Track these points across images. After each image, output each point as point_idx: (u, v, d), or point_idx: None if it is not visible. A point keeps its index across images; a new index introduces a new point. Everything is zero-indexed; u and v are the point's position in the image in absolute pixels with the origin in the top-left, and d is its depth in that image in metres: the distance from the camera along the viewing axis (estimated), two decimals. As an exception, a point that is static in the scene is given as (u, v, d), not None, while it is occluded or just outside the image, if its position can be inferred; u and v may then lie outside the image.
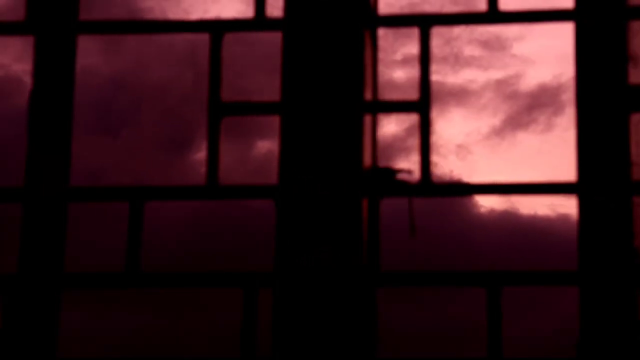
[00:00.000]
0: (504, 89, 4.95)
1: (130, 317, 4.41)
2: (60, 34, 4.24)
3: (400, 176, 4.10)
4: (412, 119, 4.13)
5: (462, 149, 4.73)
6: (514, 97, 5.02)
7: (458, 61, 4.65)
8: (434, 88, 4.12)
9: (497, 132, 4.98)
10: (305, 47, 4.10)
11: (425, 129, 4.10)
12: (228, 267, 4.10)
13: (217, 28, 4.24)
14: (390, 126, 4.07)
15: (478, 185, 4.07)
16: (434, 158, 4.06)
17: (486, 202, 4.72)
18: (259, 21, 4.22)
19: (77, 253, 4.18)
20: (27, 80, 4.23)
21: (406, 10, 4.31)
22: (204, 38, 4.25)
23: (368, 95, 4.16)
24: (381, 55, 4.25)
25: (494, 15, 4.14)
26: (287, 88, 4.09)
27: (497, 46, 4.84)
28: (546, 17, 4.15)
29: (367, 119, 4.14)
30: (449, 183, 4.10)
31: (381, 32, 4.28)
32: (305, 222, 3.96)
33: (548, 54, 4.29)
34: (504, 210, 4.80)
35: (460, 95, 4.85)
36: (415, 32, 4.18)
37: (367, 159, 4.10)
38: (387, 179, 4.10)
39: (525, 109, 5.03)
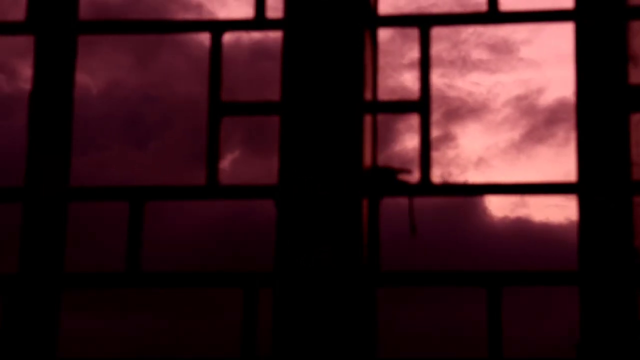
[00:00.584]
0: (523, 103, 4.96)
1: (130, 316, 4.41)
2: (60, 34, 4.24)
3: (401, 176, 4.10)
4: (435, 132, 4.13)
5: (481, 163, 4.75)
6: (532, 112, 5.03)
7: (465, 65, 4.66)
8: (449, 95, 4.12)
9: (515, 146, 4.98)
10: (305, 47, 4.10)
11: (425, 129, 4.10)
12: (228, 267, 4.10)
13: (217, 28, 4.24)
14: (413, 141, 4.10)
15: (478, 185, 4.07)
16: (453, 170, 4.07)
17: (499, 212, 4.73)
18: (259, 21, 4.22)
19: (77, 253, 4.18)
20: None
21: (406, 10, 4.31)
22: (234, 52, 4.25)
23: (368, 95, 4.16)
24: (389, 59, 4.26)
25: (494, 16, 4.14)
26: (287, 88, 4.09)
27: (504, 49, 4.84)
28: (546, 17, 4.15)
29: (367, 119, 4.13)
30: (449, 183, 4.10)
31: (389, 35, 4.29)
32: (305, 222, 3.96)
33: (555, 57, 4.30)
34: (517, 218, 4.80)
35: (480, 110, 4.87)
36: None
37: (367, 159, 4.10)
38: (387, 179, 4.10)
39: (544, 123, 5.03)
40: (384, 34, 4.30)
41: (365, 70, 4.12)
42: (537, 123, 5.05)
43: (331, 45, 4.09)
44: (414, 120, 4.13)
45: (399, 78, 4.23)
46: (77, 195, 4.15)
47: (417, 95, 4.13)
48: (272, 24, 4.22)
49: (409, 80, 4.29)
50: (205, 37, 4.25)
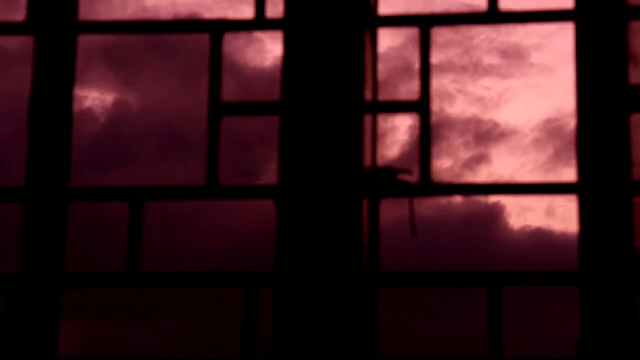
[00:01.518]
0: (550, 127, 4.96)
1: (130, 316, 4.41)
2: (60, 33, 4.24)
3: (401, 176, 4.10)
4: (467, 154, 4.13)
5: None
6: (559, 135, 5.02)
7: (477, 70, 4.67)
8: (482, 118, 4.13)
9: (543, 167, 4.97)
10: (305, 47, 4.10)
11: (425, 129, 4.10)
12: (228, 267, 4.10)
13: (217, 28, 4.24)
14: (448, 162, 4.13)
15: (478, 185, 4.07)
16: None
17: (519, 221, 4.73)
18: (259, 21, 4.22)
19: (77, 253, 4.18)
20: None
21: (406, 10, 4.31)
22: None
23: (368, 95, 4.15)
24: (399, 63, 4.26)
25: (494, 16, 4.14)
26: (287, 88, 4.09)
27: (515, 55, 4.84)
28: (546, 17, 4.15)
29: (367, 119, 4.13)
30: (449, 183, 4.10)
31: (401, 41, 4.29)
32: (305, 222, 3.96)
33: (566, 62, 4.31)
34: (537, 228, 4.79)
35: (508, 135, 4.87)
36: (439, 40, 4.19)
37: (367, 159, 4.10)
38: (387, 179, 4.10)
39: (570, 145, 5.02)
40: (395, 41, 4.30)
41: (365, 70, 4.12)
42: (563, 146, 5.02)
43: (331, 45, 4.09)
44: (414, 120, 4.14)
45: (411, 83, 4.24)
46: (77, 195, 4.15)
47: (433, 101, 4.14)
48: (272, 24, 4.22)
49: (417, 84, 4.29)
50: (259, 59, 4.26)
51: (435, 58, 4.16)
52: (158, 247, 4.24)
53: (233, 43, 4.43)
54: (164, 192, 4.16)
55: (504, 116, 4.82)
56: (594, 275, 3.84)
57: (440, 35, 4.18)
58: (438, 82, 4.18)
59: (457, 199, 4.15)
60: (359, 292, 3.91)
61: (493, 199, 4.34)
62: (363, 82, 4.09)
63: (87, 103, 5.21)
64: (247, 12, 4.27)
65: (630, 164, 3.93)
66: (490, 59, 4.76)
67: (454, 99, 4.59)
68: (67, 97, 4.20)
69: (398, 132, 4.56)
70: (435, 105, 4.11)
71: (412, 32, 4.19)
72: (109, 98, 5.23)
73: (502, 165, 4.76)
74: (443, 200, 4.25)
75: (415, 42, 4.16)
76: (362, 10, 4.14)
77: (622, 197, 3.89)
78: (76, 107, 4.22)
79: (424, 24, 4.17)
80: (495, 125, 4.75)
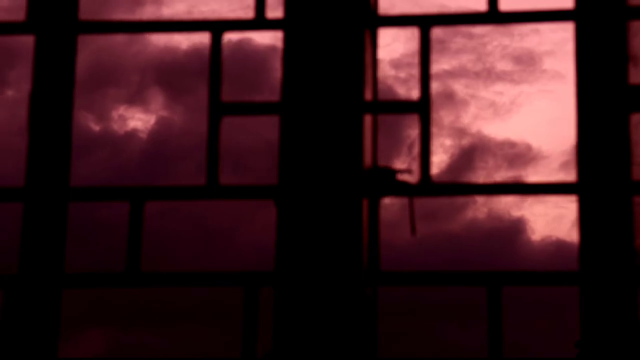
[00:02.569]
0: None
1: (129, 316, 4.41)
2: (61, 33, 4.24)
3: (401, 176, 4.10)
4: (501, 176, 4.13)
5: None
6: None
7: (490, 76, 4.68)
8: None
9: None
10: (305, 47, 4.10)
11: (425, 129, 4.10)
12: (228, 267, 4.10)
13: (217, 28, 4.24)
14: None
15: (478, 185, 4.08)
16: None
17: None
18: (259, 21, 4.22)
19: (77, 253, 4.18)
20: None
21: (406, 10, 4.32)
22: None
23: (368, 95, 4.16)
24: (414, 71, 4.27)
25: (494, 16, 4.15)
26: (287, 88, 4.09)
27: (528, 61, 4.86)
28: (546, 17, 4.16)
29: (367, 119, 4.14)
30: (449, 183, 4.10)
31: (414, 48, 4.29)
32: (305, 221, 3.96)
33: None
34: (560, 240, 4.79)
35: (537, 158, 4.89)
36: (452, 47, 4.20)
37: (367, 159, 4.11)
38: (387, 179, 4.11)
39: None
40: (408, 47, 4.30)
41: (365, 70, 4.12)
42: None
43: (331, 45, 4.09)
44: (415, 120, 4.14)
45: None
46: (77, 195, 4.15)
47: (443, 104, 4.14)
48: (272, 24, 4.22)
49: (434, 89, 4.30)
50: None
51: (447, 64, 4.17)
52: (158, 246, 4.24)
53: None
54: (164, 192, 4.16)
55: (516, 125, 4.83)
56: (594, 275, 3.85)
57: (454, 42, 4.20)
58: (450, 87, 4.19)
59: (482, 215, 4.15)
60: (359, 292, 3.91)
61: (517, 213, 4.35)
62: (363, 82, 4.09)
63: (133, 122, 5.24)
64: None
65: (630, 164, 3.93)
66: (503, 65, 4.77)
67: (467, 104, 4.62)
68: (68, 97, 4.20)
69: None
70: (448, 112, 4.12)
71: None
72: (153, 117, 5.26)
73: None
74: (468, 215, 4.26)
75: (433, 48, 4.16)
76: (362, 10, 4.14)
77: (622, 197, 3.89)
78: (123, 126, 4.25)
79: (424, 24, 4.17)
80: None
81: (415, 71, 4.13)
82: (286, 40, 4.13)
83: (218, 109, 4.17)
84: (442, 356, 4.32)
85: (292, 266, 3.93)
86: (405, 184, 4.09)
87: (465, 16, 4.19)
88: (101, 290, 4.14)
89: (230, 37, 4.24)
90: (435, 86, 4.20)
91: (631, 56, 4.01)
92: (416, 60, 4.15)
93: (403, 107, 4.17)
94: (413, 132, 4.22)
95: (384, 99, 4.26)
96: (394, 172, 4.12)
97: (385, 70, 3.99)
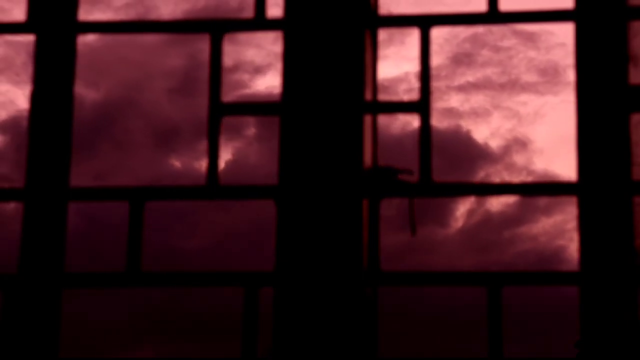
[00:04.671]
0: None
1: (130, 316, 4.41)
2: (61, 33, 4.24)
3: (401, 176, 4.10)
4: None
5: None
6: None
7: (514, 88, 4.69)
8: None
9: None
10: (305, 47, 4.10)
11: (425, 129, 4.10)
12: (229, 267, 4.10)
13: (217, 28, 4.24)
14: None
15: (479, 185, 4.08)
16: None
17: None
18: (259, 21, 4.22)
19: (76, 253, 4.18)
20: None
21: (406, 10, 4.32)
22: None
23: (368, 95, 4.16)
24: (441, 83, 4.28)
25: (494, 16, 4.15)
26: (287, 88, 4.09)
27: (553, 73, 4.86)
28: (546, 18, 4.16)
29: (367, 119, 4.14)
30: (449, 182, 4.10)
31: (440, 60, 4.31)
32: (305, 222, 3.96)
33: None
34: None
35: None
36: (478, 59, 4.21)
37: (368, 159, 4.11)
38: (387, 179, 4.11)
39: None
40: (434, 61, 4.30)
41: (365, 70, 4.12)
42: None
43: (331, 46, 4.09)
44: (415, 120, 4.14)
45: (448, 100, 4.25)
46: (77, 195, 4.15)
47: (475, 115, 4.15)
48: (272, 24, 4.22)
49: (457, 101, 4.30)
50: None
51: (471, 77, 4.17)
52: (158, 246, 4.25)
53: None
54: (164, 192, 4.16)
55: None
56: (594, 275, 3.85)
57: (481, 55, 4.20)
58: (474, 99, 4.20)
59: (526, 244, 4.14)
60: (359, 292, 3.92)
61: (559, 242, 4.35)
62: (363, 82, 4.09)
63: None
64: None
65: (630, 164, 3.93)
66: (528, 77, 4.78)
67: (490, 114, 4.63)
68: (68, 97, 4.20)
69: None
70: (469, 122, 4.13)
71: (452, 52, 4.20)
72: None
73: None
74: (511, 249, 4.26)
75: (457, 61, 4.17)
76: (362, 10, 4.14)
77: (622, 197, 3.90)
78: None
79: (424, 24, 4.17)
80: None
81: (439, 84, 4.16)
82: (286, 40, 4.13)
83: (218, 109, 4.16)
84: (442, 356, 4.31)
85: (292, 266, 3.93)
86: (405, 183, 4.09)
87: (465, 16, 4.19)
88: (154, 305, 4.15)
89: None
90: (462, 97, 4.20)
91: (631, 56, 4.01)
92: (441, 73, 4.17)
93: (403, 107, 4.16)
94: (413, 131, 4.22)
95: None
96: (395, 172, 4.12)
97: (411, 83, 3.99)
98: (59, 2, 4.27)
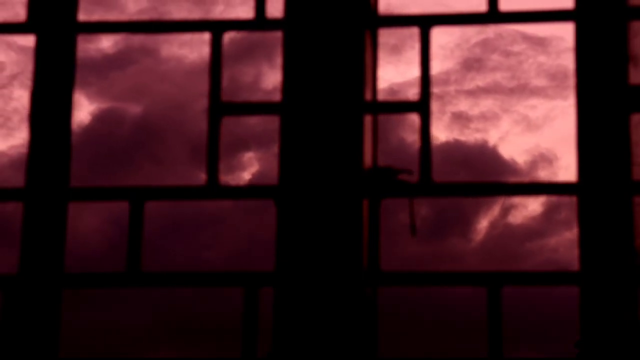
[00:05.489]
0: None
1: (130, 316, 4.42)
2: (61, 32, 4.23)
3: (401, 176, 4.10)
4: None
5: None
6: None
7: (524, 92, 4.69)
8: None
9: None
10: (305, 47, 4.10)
11: (425, 129, 4.10)
12: (229, 267, 4.10)
13: (217, 28, 4.24)
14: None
15: (479, 185, 4.07)
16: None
17: None
18: (259, 21, 4.22)
19: (76, 253, 4.18)
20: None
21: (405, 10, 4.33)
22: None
23: (368, 96, 4.16)
24: (451, 87, 4.28)
25: (494, 16, 4.15)
26: (287, 88, 4.09)
27: (563, 77, 4.86)
28: (546, 18, 4.16)
29: (367, 119, 4.14)
30: (449, 182, 4.10)
31: (450, 65, 4.31)
32: (305, 221, 3.96)
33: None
34: None
35: None
36: (489, 64, 4.21)
37: (368, 159, 4.11)
38: (387, 179, 4.10)
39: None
40: (444, 66, 4.31)
41: (365, 70, 4.12)
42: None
43: (331, 46, 4.09)
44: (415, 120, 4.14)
45: (458, 104, 4.26)
46: (77, 195, 4.15)
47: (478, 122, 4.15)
48: (272, 24, 4.21)
49: (466, 105, 4.31)
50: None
51: (481, 81, 4.17)
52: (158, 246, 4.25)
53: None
54: (164, 192, 4.16)
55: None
56: (594, 275, 3.85)
57: (491, 59, 4.20)
58: (484, 103, 4.20)
59: (545, 255, 4.11)
60: (359, 292, 3.91)
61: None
62: (363, 82, 4.09)
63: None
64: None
65: (630, 164, 3.93)
66: (538, 82, 4.77)
67: (499, 118, 4.63)
68: (68, 97, 4.20)
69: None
70: (479, 126, 4.12)
71: (463, 57, 4.20)
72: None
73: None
74: (531, 261, 4.23)
75: (468, 66, 4.17)
76: (362, 10, 4.14)
77: (622, 197, 3.90)
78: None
79: (424, 24, 4.17)
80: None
81: (449, 88, 4.16)
82: (286, 40, 4.13)
83: (218, 109, 4.16)
84: (442, 356, 4.31)
85: (292, 266, 3.93)
86: (405, 183, 4.09)
87: (465, 16, 4.19)
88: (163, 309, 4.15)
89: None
90: (472, 102, 4.20)
91: (631, 56, 4.01)
92: (451, 77, 4.17)
93: (403, 107, 4.17)
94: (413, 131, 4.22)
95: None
96: (394, 172, 4.12)
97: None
98: (59, 2, 4.27)
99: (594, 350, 3.80)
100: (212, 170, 4.11)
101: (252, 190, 4.12)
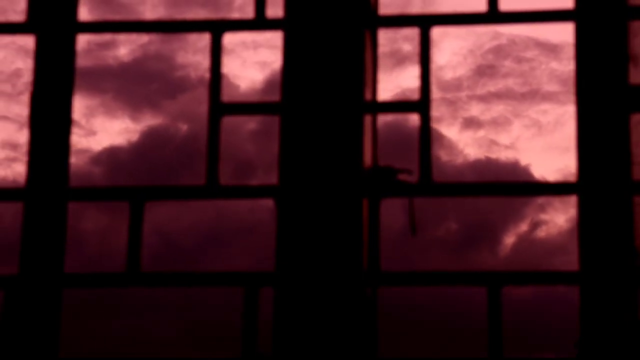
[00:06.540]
0: None
1: (130, 316, 4.42)
2: (61, 32, 4.23)
3: (401, 176, 4.10)
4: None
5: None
6: None
7: (535, 97, 4.70)
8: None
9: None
10: (305, 47, 4.10)
11: (425, 129, 4.10)
12: (229, 267, 4.10)
13: (217, 28, 4.24)
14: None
15: (479, 185, 4.07)
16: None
17: None
18: (259, 21, 4.22)
19: (76, 253, 4.18)
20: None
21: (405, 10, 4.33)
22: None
23: (368, 95, 4.16)
24: (462, 93, 4.28)
25: (494, 16, 4.15)
26: (287, 88, 4.09)
27: (573, 82, 4.87)
28: (546, 17, 4.16)
29: (367, 119, 4.14)
30: (449, 182, 4.10)
31: (463, 71, 4.32)
32: (305, 221, 3.96)
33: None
34: None
35: None
36: (502, 70, 4.21)
37: (367, 159, 4.11)
38: (387, 179, 4.10)
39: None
40: (458, 72, 4.31)
41: (365, 70, 4.12)
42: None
43: (331, 46, 4.09)
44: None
45: (469, 109, 4.26)
46: (77, 195, 4.15)
47: (489, 127, 4.16)
48: (272, 24, 4.21)
49: (478, 110, 4.31)
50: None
51: (493, 87, 4.17)
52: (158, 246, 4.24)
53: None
54: (164, 192, 4.16)
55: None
56: (594, 275, 3.85)
57: (504, 65, 4.19)
58: (495, 108, 4.20)
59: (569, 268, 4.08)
60: (359, 292, 3.91)
61: None
62: (363, 82, 4.09)
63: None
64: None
65: (630, 164, 3.93)
66: (550, 87, 4.78)
67: (510, 123, 4.64)
68: (67, 97, 4.20)
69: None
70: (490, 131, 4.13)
71: (476, 63, 4.19)
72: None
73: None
74: None
75: (480, 72, 4.17)
76: (362, 10, 4.14)
77: (622, 197, 3.90)
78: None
79: (424, 24, 4.17)
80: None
81: (461, 94, 4.15)
82: (286, 40, 4.13)
83: (218, 109, 4.16)
84: (442, 356, 4.31)
85: (292, 266, 3.93)
86: (405, 183, 4.09)
87: (465, 16, 4.19)
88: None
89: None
90: (482, 107, 4.20)
91: (631, 56, 4.01)
92: (463, 83, 4.17)
93: (403, 107, 4.17)
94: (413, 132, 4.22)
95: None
96: (394, 172, 4.12)
97: (434, 93, 3.96)
98: (59, 2, 4.27)
99: (594, 350, 3.80)
100: (212, 170, 4.11)
101: (252, 190, 4.12)
